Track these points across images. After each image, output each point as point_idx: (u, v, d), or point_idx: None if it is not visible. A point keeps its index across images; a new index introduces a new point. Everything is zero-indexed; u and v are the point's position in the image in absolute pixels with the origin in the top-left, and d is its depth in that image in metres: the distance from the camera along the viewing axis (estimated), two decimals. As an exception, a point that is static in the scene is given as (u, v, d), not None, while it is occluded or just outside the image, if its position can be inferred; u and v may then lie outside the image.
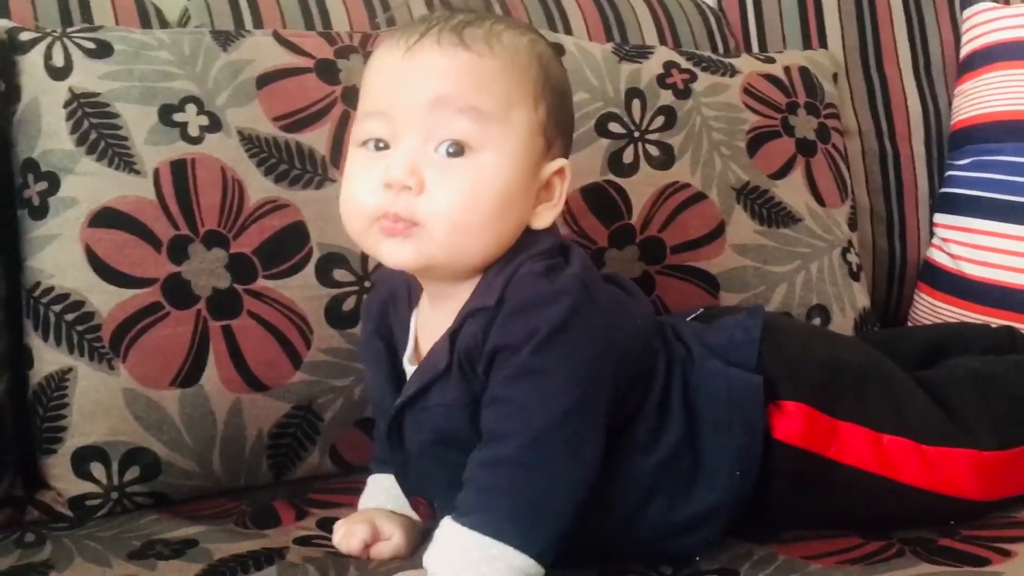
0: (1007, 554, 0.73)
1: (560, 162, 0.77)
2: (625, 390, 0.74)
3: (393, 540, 0.80)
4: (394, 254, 0.73)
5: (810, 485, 0.78)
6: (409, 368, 0.79)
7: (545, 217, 0.76)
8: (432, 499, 0.78)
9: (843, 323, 1.14)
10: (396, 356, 0.81)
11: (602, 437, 0.70)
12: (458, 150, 0.71)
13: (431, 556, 0.68)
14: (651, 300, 1.04)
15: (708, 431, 0.76)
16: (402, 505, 0.82)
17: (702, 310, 0.92)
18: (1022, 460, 0.81)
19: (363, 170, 0.74)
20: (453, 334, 0.73)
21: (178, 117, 0.92)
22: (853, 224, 1.22)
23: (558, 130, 0.76)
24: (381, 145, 0.73)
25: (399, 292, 0.82)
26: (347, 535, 0.80)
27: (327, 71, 0.99)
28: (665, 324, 0.83)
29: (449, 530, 0.68)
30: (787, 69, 1.21)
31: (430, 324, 0.78)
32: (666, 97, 1.11)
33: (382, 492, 0.84)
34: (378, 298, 0.84)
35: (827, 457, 0.78)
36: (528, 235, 0.75)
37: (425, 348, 0.78)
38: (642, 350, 0.77)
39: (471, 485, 0.69)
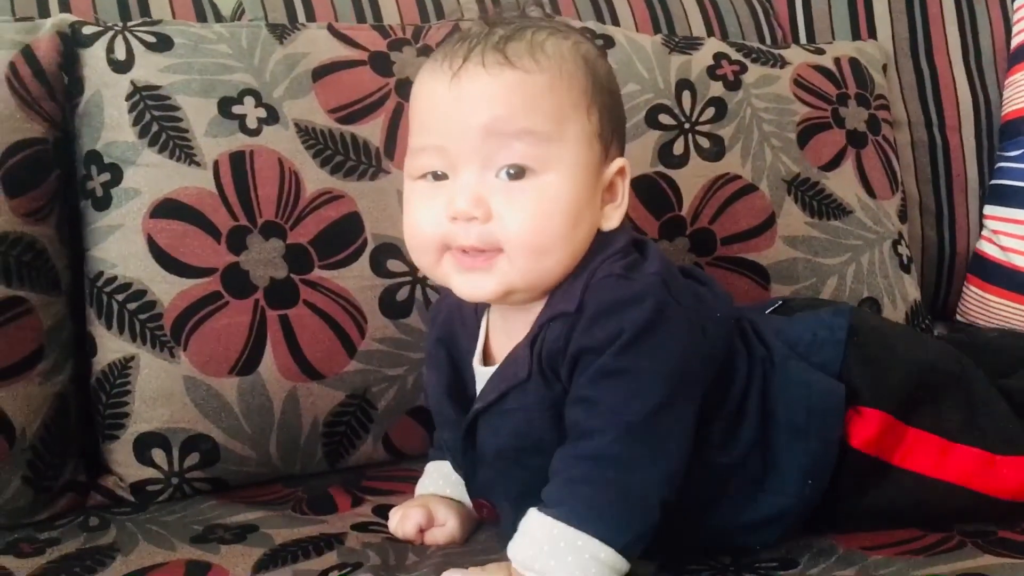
0: (1070, 546, 0.73)
1: (619, 162, 0.76)
2: (707, 389, 0.73)
3: (447, 526, 0.81)
4: (475, 288, 0.73)
5: (871, 488, 0.77)
6: (480, 369, 0.78)
7: (613, 218, 0.76)
8: (499, 503, 0.77)
9: (894, 316, 1.13)
10: (458, 364, 0.81)
11: (691, 434, 0.69)
12: (519, 172, 0.71)
13: (516, 547, 0.68)
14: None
15: (783, 436, 0.75)
16: (460, 492, 0.83)
17: (781, 302, 0.90)
18: None
19: (424, 203, 0.74)
20: (533, 341, 0.72)
21: (237, 109, 0.94)
22: (903, 216, 1.21)
23: (613, 130, 0.76)
24: (440, 174, 0.73)
25: None
26: (403, 519, 0.81)
27: (381, 64, 1.00)
28: (744, 320, 0.81)
29: (535, 521, 0.68)
30: (837, 60, 1.21)
31: (503, 327, 0.78)
32: (716, 89, 1.11)
33: (441, 478, 0.85)
34: (446, 302, 0.83)
35: (892, 463, 0.77)
36: (601, 235, 0.75)
37: (497, 350, 0.78)
38: (723, 347, 0.76)
39: (558, 477, 0.68)
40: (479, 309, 0.81)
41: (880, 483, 0.77)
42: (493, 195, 0.71)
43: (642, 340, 0.68)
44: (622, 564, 0.66)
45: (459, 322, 0.81)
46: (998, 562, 0.71)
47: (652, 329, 0.69)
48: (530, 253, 0.71)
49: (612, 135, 0.76)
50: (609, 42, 1.09)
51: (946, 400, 0.79)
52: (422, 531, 0.81)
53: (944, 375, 0.80)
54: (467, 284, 0.73)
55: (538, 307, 0.74)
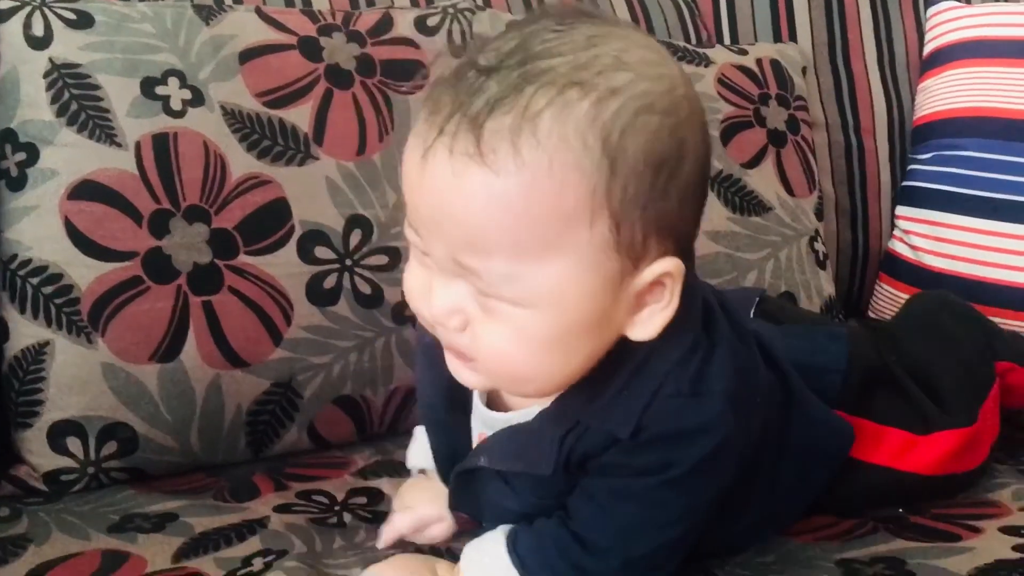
0: (976, 530, 0.76)
1: (664, 266, 0.58)
2: None
3: (445, 523, 0.76)
4: (462, 376, 0.63)
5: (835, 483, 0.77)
6: (484, 412, 0.69)
7: (651, 326, 0.60)
8: (488, 523, 0.71)
9: (810, 310, 1.17)
10: None
11: (695, 541, 0.66)
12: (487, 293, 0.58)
13: (472, 554, 0.66)
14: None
15: (790, 466, 0.72)
16: None
17: (758, 299, 0.85)
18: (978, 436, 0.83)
19: (414, 269, 0.62)
20: (563, 437, 0.63)
21: (160, 90, 0.91)
22: (820, 214, 1.25)
23: (657, 222, 0.57)
24: (423, 250, 0.60)
25: None
26: (388, 528, 0.76)
27: (310, 49, 0.99)
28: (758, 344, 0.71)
29: (499, 550, 0.65)
30: (759, 61, 1.24)
31: None
32: (643, 85, 1.12)
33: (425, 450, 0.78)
34: None
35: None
36: (664, 328, 0.60)
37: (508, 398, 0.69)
38: (767, 413, 0.69)
39: (546, 546, 0.64)
40: None
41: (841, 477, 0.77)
42: (471, 303, 0.58)
43: (690, 477, 0.61)
44: None
45: None
46: (910, 546, 0.74)
47: (706, 466, 0.61)
48: (504, 380, 0.62)
49: (653, 232, 0.57)
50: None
51: (882, 390, 0.81)
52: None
53: (881, 370, 0.82)
54: (456, 370, 0.63)
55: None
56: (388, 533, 0.75)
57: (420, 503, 0.76)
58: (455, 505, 0.73)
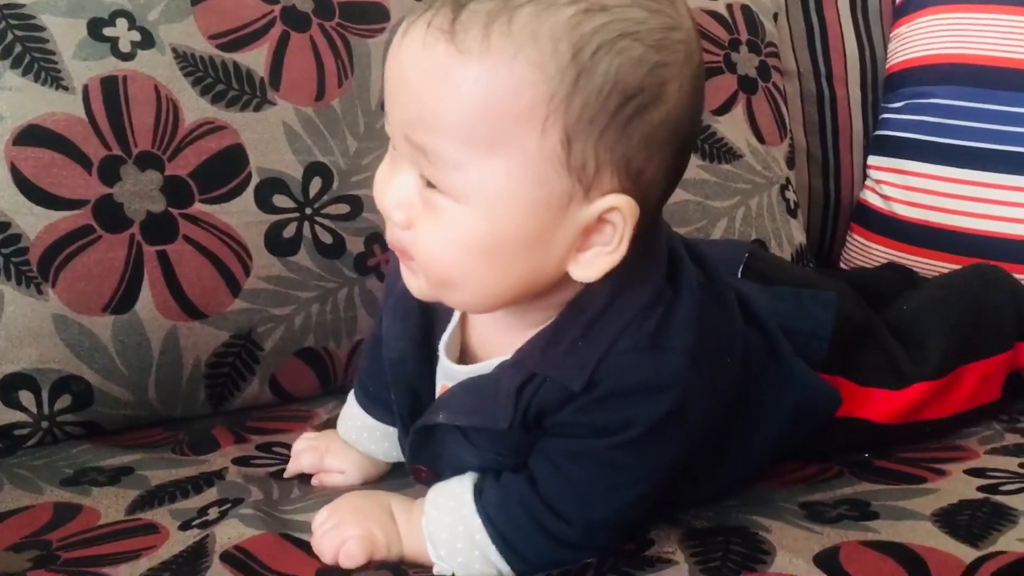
0: (942, 473, 0.76)
1: (612, 201, 0.56)
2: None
3: (346, 475, 0.77)
4: (408, 283, 0.63)
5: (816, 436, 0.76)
6: (448, 365, 0.68)
7: (593, 267, 0.58)
8: (445, 474, 0.69)
9: (804, 267, 1.16)
10: (432, 318, 0.70)
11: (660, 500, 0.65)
12: (432, 184, 0.57)
13: (434, 520, 0.65)
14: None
15: (769, 427, 0.71)
16: (381, 449, 0.77)
17: (747, 254, 0.83)
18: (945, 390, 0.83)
19: (384, 163, 0.62)
20: (520, 389, 0.61)
21: (108, 31, 0.88)
22: (791, 163, 1.23)
23: (613, 155, 0.55)
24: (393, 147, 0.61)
25: None
26: (293, 459, 0.78)
27: (265, -10, 0.96)
28: (741, 303, 0.69)
29: (465, 498, 0.64)
30: (730, 7, 1.21)
31: (484, 321, 0.67)
32: (611, 29, 1.10)
33: (361, 430, 0.78)
34: None
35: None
36: (624, 277, 0.59)
37: (478, 339, 0.68)
38: (735, 387, 0.67)
39: (510, 503, 0.63)
40: None
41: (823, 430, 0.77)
42: (419, 199, 0.58)
43: (650, 436, 0.59)
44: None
45: None
46: (875, 488, 0.73)
47: (666, 425, 0.59)
48: (433, 283, 0.60)
49: (608, 165, 0.56)
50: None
51: (866, 349, 0.80)
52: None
53: (868, 328, 0.81)
54: (404, 276, 0.64)
55: (527, 322, 0.63)
56: (291, 465, 0.78)
57: (331, 453, 0.77)
58: (413, 460, 0.72)
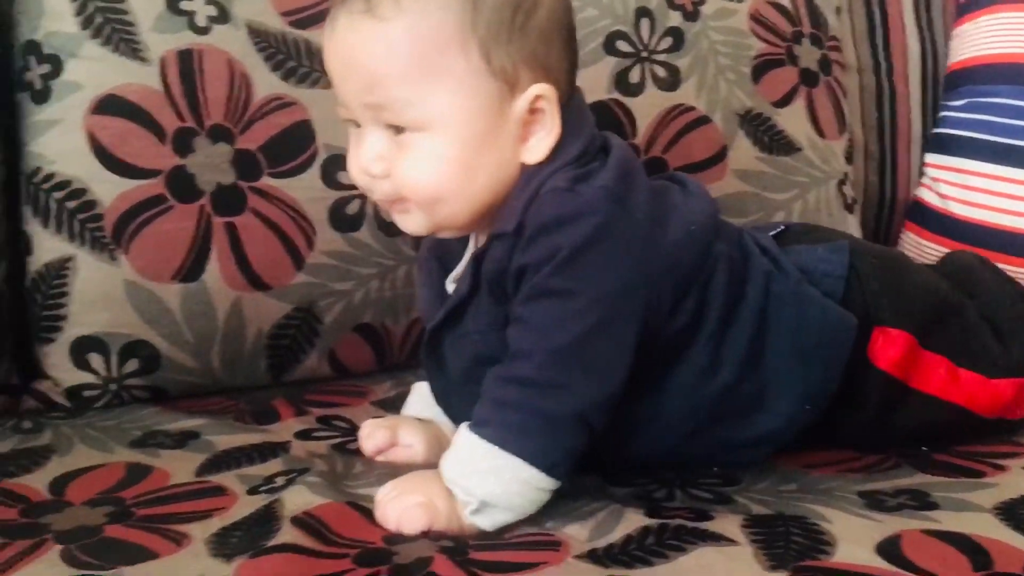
0: (1001, 468, 0.75)
1: (535, 90, 0.70)
2: (674, 303, 0.71)
3: (413, 449, 0.78)
4: (407, 227, 0.73)
5: (897, 408, 0.77)
6: (451, 288, 0.77)
7: (539, 149, 0.71)
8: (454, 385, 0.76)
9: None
10: (446, 276, 0.78)
11: (628, 358, 0.68)
12: (399, 128, 0.69)
13: (446, 461, 0.68)
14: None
15: (784, 359, 0.73)
16: (440, 414, 0.80)
17: (783, 227, 0.85)
18: None
19: (352, 147, 0.73)
20: (478, 257, 0.71)
21: (185, 5, 0.90)
22: (849, 158, 1.23)
23: (524, 56, 0.69)
24: (355, 123, 0.72)
25: None
26: (365, 439, 0.79)
27: (337, -31, 0.97)
28: (745, 234, 0.78)
29: (463, 438, 0.67)
30: (794, 0, 1.21)
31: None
32: (675, 18, 1.10)
33: (422, 399, 0.82)
34: None
35: (910, 386, 0.77)
36: (556, 145, 0.71)
37: None
38: (696, 258, 0.72)
39: (487, 397, 0.68)
40: None
41: (901, 404, 0.77)
42: (391, 147, 0.70)
43: (579, 259, 0.66)
44: (548, 483, 0.66)
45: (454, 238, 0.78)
46: (934, 480, 0.73)
47: (591, 247, 0.66)
48: (427, 205, 0.70)
49: (521, 63, 0.69)
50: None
51: (953, 326, 0.79)
52: (382, 451, 0.78)
53: (949, 301, 0.81)
54: (401, 223, 0.73)
55: None
56: (368, 444, 0.79)
57: (403, 428, 0.79)
58: (449, 415, 0.77)
